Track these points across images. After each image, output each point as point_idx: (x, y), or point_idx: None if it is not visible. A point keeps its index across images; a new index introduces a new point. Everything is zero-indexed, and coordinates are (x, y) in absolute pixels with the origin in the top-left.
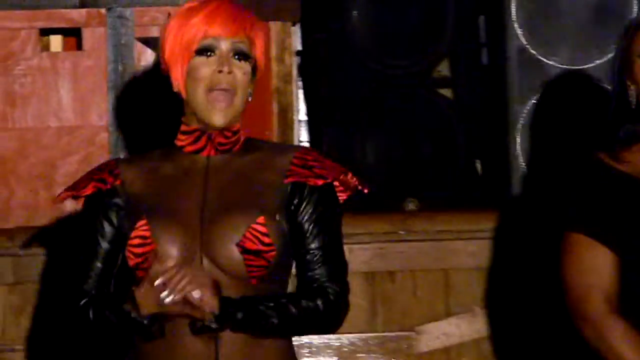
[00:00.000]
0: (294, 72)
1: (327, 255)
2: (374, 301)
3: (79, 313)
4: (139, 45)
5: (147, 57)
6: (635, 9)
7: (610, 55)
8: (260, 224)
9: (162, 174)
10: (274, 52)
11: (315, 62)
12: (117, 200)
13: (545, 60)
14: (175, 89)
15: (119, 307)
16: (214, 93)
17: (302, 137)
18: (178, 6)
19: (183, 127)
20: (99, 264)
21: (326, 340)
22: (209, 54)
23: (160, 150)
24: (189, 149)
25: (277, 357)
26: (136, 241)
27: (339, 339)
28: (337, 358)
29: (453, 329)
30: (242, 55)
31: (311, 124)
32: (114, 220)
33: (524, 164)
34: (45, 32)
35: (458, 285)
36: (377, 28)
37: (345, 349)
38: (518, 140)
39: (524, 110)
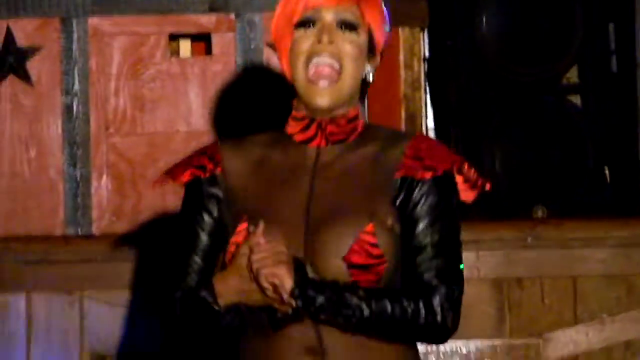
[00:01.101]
0: (422, 78)
1: (438, 252)
2: (501, 308)
3: (177, 308)
4: (267, 51)
5: (276, 62)
6: None
7: None
8: (369, 232)
9: (268, 165)
10: (402, 58)
11: (444, 68)
12: (216, 191)
13: None
14: (283, 72)
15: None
16: (315, 68)
17: None
18: None
19: (293, 113)
20: (198, 259)
21: (453, 347)
22: (309, 25)
23: (270, 134)
24: (299, 137)
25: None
26: (233, 248)
27: (467, 345)
28: None
29: (581, 337)
30: (348, 26)
31: (439, 131)
32: (214, 211)
33: None
34: (175, 37)
35: (586, 292)
36: (506, 35)
37: (473, 356)
38: None
39: None
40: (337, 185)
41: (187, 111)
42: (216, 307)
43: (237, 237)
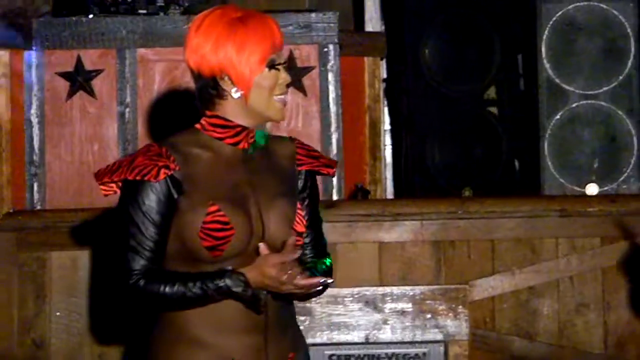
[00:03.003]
0: (381, 94)
1: (322, 233)
2: (439, 262)
3: (135, 288)
4: None
5: None
6: (633, 49)
7: (614, 84)
8: (299, 209)
9: (207, 162)
10: (366, 79)
11: (397, 86)
12: (174, 188)
13: (566, 87)
14: (234, 93)
15: (209, 282)
16: (280, 98)
17: (386, 142)
18: None
19: (219, 121)
20: (153, 245)
21: (403, 291)
22: (277, 67)
23: (187, 137)
24: (229, 141)
25: (294, 317)
26: (215, 225)
27: (413, 289)
28: (411, 303)
29: (497, 284)
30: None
31: (394, 133)
32: (170, 204)
33: (550, 163)
34: None
35: (501, 251)
36: (443, 61)
37: (417, 297)
38: (546, 145)
39: (550, 124)
40: (266, 176)
41: None
42: (247, 290)
43: (213, 217)
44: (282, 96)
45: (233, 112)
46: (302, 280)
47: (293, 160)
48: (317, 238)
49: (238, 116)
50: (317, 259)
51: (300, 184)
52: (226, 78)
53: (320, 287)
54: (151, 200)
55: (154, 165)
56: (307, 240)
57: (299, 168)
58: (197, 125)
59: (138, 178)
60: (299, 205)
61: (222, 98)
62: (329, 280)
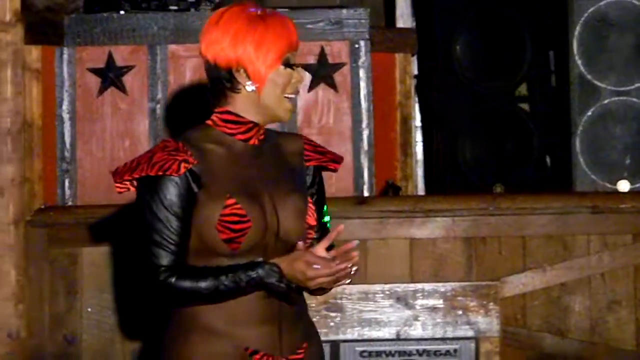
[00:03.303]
0: (412, 90)
1: (329, 228)
2: (470, 259)
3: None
4: None
5: None
6: None
7: None
8: (310, 203)
9: (221, 156)
10: (397, 75)
11: (428, 83)
12: (193, 182)
13: (598, 83)
14: (248, 87)
15: (241, 274)
16: (291, 97)
17: (417, 138)
18: None
19: (230, 117)
20: (178, 239)
21: (434, 287)
22: (292, 66)
23: (199, 133)
24: (240, 137)
25: (306, 308)
26: (233, 218)
27: (444, 286)
28: (442, 300)
29: (528, 280)
30: None
31: (425, 130)
32: (190, 198)
33: (581, 159)
34: None
35: (532, 248)
36: (474, 58)
37: (448, 294)
38: (577, 142)
39: (581, 121)
40: (276, 171)
41: None
42: (283, 281)
43: (231, 210)
44: (293, 96)
45: (244, 107)
46: (335, 266)
47: (301, 156)
48: (325, 233)
49: (249, 111)
50: None
51: (309, 179)
52: (242, 71)
53: (347, 277)
54: (173, 194)
55: (174, 160)
56: (316, 235)
57: (307, 164)
58: (209, 121)
59: (160, 173)
60: (309, 200)
61: (235, 91)
62: (355, 268)
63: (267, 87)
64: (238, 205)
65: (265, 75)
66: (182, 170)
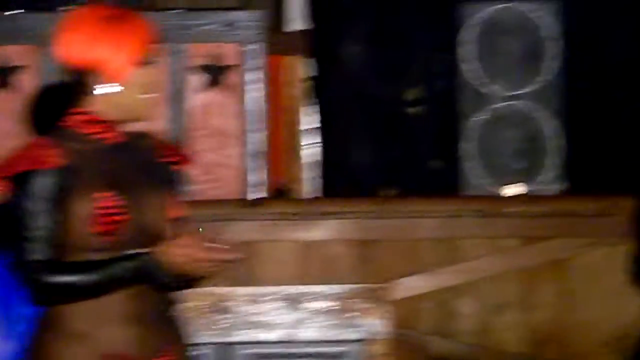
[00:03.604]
0: (303, 93)
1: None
2: (360, 261)
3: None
4: None
5: None
6: (554, 50)
7: (536, 85)
8: (169, 197)
9: (87, 154)
10: (288, 78)
11: (319, 86)
12: (60, 179)
13: (487, 88)
14: (105, 88)
15: (125, 264)
16: (149, 96)
17: (309, 141)
18: None
19: (91, 118)
20: (50, 234)
21: (324, 290)
22: (150, 64)
23: (63, 132)
24: (101, 136)
25: (172, 308)
26: (108, 211)
27: (335, 288)
28: (333, 302)
29: (419, 283)
30: None
31: (316, 133)
32: (60, 193)
33: (471, 164)
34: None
35: (422, 251)
36: (366, 62)
37: (339, 296)
38: (467, 146)
39: (471, 125)
40: (137, 167)
41: None
42: (163, 272)
43: (106, 202)
44: (151, 95)
45: (104, 108)
46: (215, 253)
47: (155, 153)
48: (182, 227)
49: (109, 112)
50: None
51: (166, 175)
52: (99, 73)
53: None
54: (43, 190)
55: (43, 156)
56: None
57: (162, 160)
58: (68, 122)
59: (29, 168)
60: (168, 195)
61: (93, 92)
62: (234, 256)
63: (126, 89)
64: (111, 200)
65: (122, 76)
66: (52, 165)
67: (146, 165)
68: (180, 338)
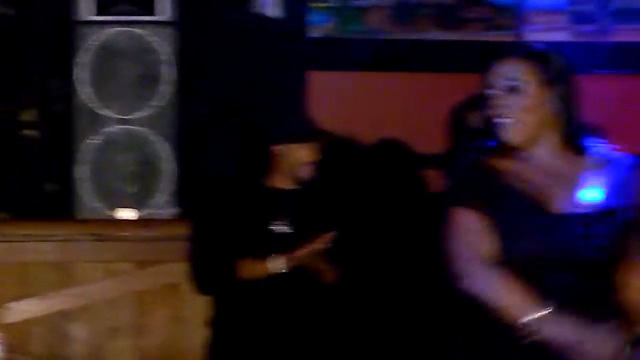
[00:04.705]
0: None
1: None
2: None
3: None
4: None
5: None
6: (169, 75)
7: (150, 109)
8: None
9: None
10: None
11: None
12: None
13: (102, 111)
14: None
15: None
16: None
17: None
18: None
19: None
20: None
21: None
22: None
23: None
24: None
25: None
26: None
27: None
28: None
29: (30, 307)
30: None
31: None
32: None
33: (85, 187)
34: None
35: (36, 275)
36: None
37: None
38: (81, 169)
39: (86, 148)
40: None
41: None
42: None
43: None
44: None
45: None
46: None
47: None
48: None
49: None
50: None
51: None
52: None
53: None
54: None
55: None
56: None
57: None
58: None
59: None
60: None
61: None
62: None
63: None
64: None
65: None
66: None
67: None
68: None
